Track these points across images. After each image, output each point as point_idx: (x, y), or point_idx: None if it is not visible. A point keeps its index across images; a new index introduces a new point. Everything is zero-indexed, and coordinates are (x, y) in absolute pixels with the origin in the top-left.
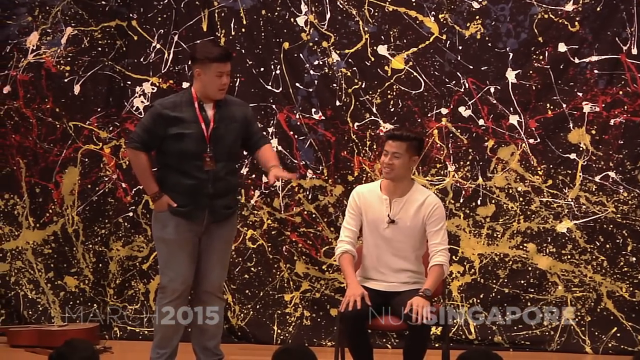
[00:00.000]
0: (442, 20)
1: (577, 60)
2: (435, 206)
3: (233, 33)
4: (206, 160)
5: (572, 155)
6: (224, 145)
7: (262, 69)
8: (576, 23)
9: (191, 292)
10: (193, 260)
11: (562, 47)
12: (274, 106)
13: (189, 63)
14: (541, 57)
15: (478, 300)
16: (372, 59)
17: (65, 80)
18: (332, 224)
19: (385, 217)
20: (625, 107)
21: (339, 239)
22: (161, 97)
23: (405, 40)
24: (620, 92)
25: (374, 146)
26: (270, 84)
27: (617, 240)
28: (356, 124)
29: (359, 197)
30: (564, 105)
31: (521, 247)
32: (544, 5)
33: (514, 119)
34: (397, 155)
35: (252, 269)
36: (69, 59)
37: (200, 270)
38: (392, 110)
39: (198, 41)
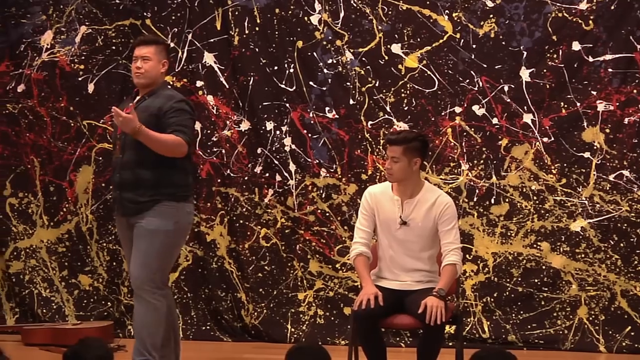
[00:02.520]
0: (455, 18)
1: (591, 59)
2: (447, 205)
3: (247, 32)
4: (116, 148)
5: (586, 154)
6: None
7: (275, 68)
8: (590, 22)
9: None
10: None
11: (576, 46)
12: (287, 105)
13: (202, 62)
14: (555, 56)
15: (492, 299)
16: (386, 58)
17: (79, 79)
18: (345, 223)
19: (397, 218)
20: (639, 105)
21: (353, 241)
22: None
23: (419, 39)
24: (635, 91)
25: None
26: (283, 82)
27: (631, 239)
28: (370, 122)
29: (371, 198)
30: (578, 104)
31: (535, 245)
32: (558, 4)
33: (527, 118)
34: (395, 159)
35: (266, 267)
36: (83, 57)
37: None
38: (405, 109)
39: (212, 39)
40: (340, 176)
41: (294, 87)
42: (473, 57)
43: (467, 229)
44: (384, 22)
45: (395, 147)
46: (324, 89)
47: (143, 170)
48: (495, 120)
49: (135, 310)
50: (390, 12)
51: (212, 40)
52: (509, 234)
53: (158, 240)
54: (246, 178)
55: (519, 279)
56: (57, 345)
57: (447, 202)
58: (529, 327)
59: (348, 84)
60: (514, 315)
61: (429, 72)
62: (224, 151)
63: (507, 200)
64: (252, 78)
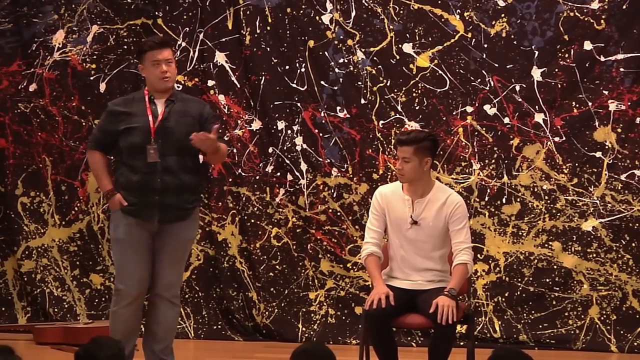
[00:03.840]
0: (467, 18)
1: (602, 59)
2: (457, 205)
3: (258, 31)
4: (150, 153)
5: (598, 154)
6: (174, 138)
7: (287, 67)
8: (602, 21)
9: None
10: (147, 262)
11: (587, 45)
12: (299, 104)
13: (214, 61)
14: (567, 55)
15: (503, 299)
16: (397, 57)
17: (91, 78)
18: (357, 222)
19: (408, 218)
20: None
21: (365, 241)
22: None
23: (430, 39)
24: None
25: None
26: (295, 82)
27: None
28: (381, 122)
29: (382, 198)
30: (590, 104)
31: (546, 245)
32: (569, 3)
33: (539, 117)
34: (406, 159)
35: (277, 266)
36: (94, 57)
37: (153, 272)
38: (417, 108)
39: (223, 39)
40: (351, 175)
41: (306, 87)
42: (484, 56)
43: (478, 228)
44: (396, 21)
45: (406, 147)
46: (336, 88)
47: (186, 174)
48: (506, 120)
49: (163, 316)
50: (401, 12)
51: (223, 39)
52: (520, 233)
53: (190, 247)
54: (257, 177)
55: (531, 279)
56: (68, 344)
57: (457, 202)
58: (541, 326)
59: (359, 83)
60: (525, 315)
61: (440, 72)
62: (235, 150)
63: (518, 199)
64: (263, 77)
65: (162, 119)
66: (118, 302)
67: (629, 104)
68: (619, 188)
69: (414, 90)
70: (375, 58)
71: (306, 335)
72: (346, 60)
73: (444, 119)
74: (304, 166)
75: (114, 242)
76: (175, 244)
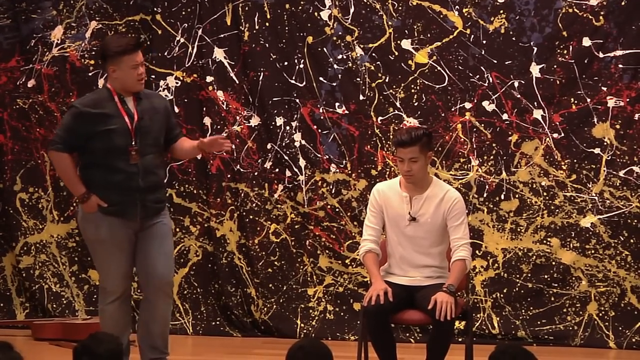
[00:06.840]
0: (466, 14)
1: (601, 55)
2: (455, 200)
3: (257, 27)
4: (132, 154)
5: (596, 150)
6: (151, 137)
7: (285, 63)
8: (601, 17)
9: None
10: (132, 259)
11: (586, 42)
12: (297, 100)
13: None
14: (565, 52)
15: (501, 295)
16: (396, 53)
17: (90, 74)
18: (355, 218)
19: (406, 215)
20: None
21: (363, 238)
22: (185, 91)
23: (429, 35)
24: None
25: None
26: (293, 78)
27: None
28: (380, 118)
29: (380, 195)
30: (588, 100)
31: (545, 241)
32: (568, 0)
33: (538, 114)
34: (414, 159)
35: (276, 262)
36: (93, 52)
37: (143, 267)
38: (415, 104)
39: (222, 35)
40: (350, 172)
41: (304, 83)
42: (483, 52)
43: (476, 224)
44: (394, 17)
45: (412, 147)
46: (334, 84)
47: (161, 170)
48: (505, 116)
49: (158, 310)
50: (400, 8)
51: (222, 35)
52: (518, 229)
53: (172, 238)
54: (256, 173)
55: (529, 275)
56: (67, 340)
57: (455, 198)
58: (539, 322)
59: (358, 79)
60: (523, 311)
61: (439, 68)
62: (233, 146)
63: (517, 196)
64: (262, 73)
65: (138, 118)
66: (103, 299)
67: (628, 100)
68: (618, 184)
69: (412, 86)
70: (373, 54)
71: (305, 331)
72: (345, 57)
73: (443, 115)
74: (302, 162)
75: (95, 243)
76: (160, 238)
